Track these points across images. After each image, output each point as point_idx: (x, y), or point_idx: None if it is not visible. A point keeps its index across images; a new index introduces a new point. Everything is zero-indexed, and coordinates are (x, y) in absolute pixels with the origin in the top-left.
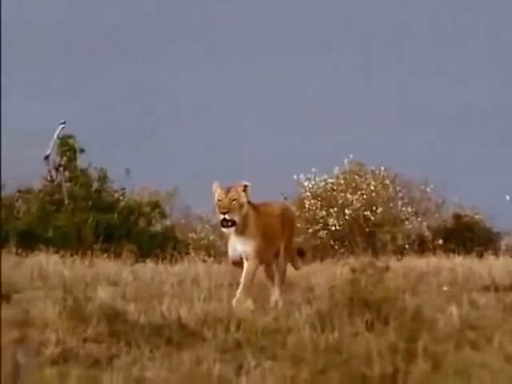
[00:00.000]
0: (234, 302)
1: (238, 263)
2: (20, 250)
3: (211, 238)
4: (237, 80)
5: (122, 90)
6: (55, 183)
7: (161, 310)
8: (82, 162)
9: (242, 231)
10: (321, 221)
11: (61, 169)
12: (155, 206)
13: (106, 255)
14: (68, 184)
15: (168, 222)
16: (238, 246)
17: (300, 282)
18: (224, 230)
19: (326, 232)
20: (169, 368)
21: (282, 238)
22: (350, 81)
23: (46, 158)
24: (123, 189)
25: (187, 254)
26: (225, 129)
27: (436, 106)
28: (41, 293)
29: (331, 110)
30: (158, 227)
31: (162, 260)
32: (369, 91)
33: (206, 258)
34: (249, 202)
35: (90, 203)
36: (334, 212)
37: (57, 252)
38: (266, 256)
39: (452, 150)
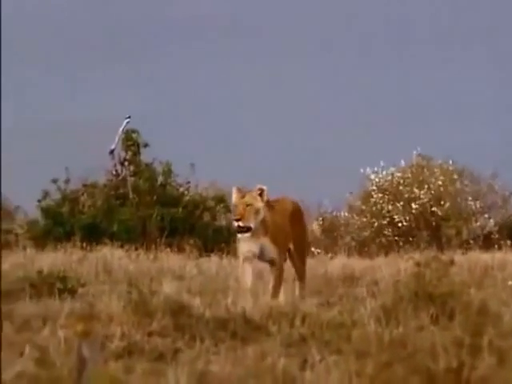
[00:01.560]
0: (280, 299)
1: (250, 259)
2: (85, 244)
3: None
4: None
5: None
6: (120, 177)
7: (226, 304)
8: (146, 156)
9: (260, 234)
10: (387, 215)
11: (126, 163)
12: (220, 200)
13: (170, 249)
14: (133, 178)
15: None
16: (257, 246)
17: (365, 276)
18: (239, 235)
19: (391, 229)
20: (233, 362)
21: (291, 236)
22: (410, 71)
23: (111, 152)
24: (188, 183)
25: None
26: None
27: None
28: (106, 287)
29: (394, 102)
30: (222, 222)
31: (227, 254)
32: (430, 82)
33: None
34: (266, 203)
35: (155, 197)
36: (401, 206)
37: (121, 246)
38: (285, 254)
39: None
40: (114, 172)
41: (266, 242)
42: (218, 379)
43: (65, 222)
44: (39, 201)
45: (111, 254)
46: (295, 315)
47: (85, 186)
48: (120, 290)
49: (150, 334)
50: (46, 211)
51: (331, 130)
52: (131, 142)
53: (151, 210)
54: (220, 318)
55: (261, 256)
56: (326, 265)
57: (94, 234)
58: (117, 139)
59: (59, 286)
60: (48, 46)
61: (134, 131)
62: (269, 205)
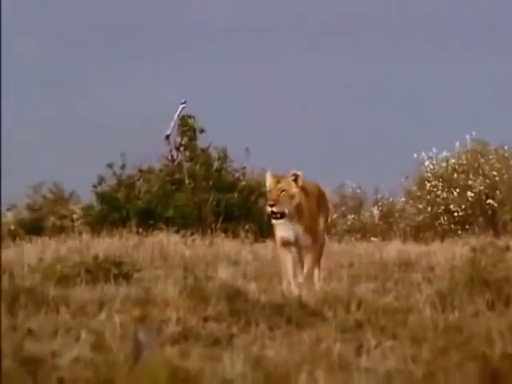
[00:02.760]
0: (316, 284)
1: (288, 244)
2: (140, 230)
3: (334, 216)
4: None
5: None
6: (176, 163)
7: (281, 290)
8: (202, 141)
9: (296, 220)
10: (442, 202)
11: (181, 148)
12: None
13: (225, 235)
14: (188, 164)
15: None
16: (293, 230)
17: (420, 261)
18: (274, 221)
19: (446, 217)
20: (289, 347)
21: (319, 219)
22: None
23: (167, 137)
24: (243, 168)
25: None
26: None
27: None
28: (161, 272)
29: (446, 87)
30: None
31: None
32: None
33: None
34: (301, 188)
35: (211, 183)
36: (456, 194)
37: (177, 231)
38: (319, 238)
39: None
40: (170, 157)
41: (300, 227)
42: (273, 364)
43: (121, 208)
44: (94, 186)
45: (167, 240)
46: (351, 301)
47: (141, 171)
48: (176, 275)
49: (205, 320)
50: (101, 196)
51: (389, 115)
52: (187, 128)
53: (207, 195)
54: (275, 303)
55: (296, 242)
56: (382, 250)
57: (149, 220)
58: (172, 124)
59: (115, 271)
60: (104, 32)
61: (189, 116)
62: (303, 190)
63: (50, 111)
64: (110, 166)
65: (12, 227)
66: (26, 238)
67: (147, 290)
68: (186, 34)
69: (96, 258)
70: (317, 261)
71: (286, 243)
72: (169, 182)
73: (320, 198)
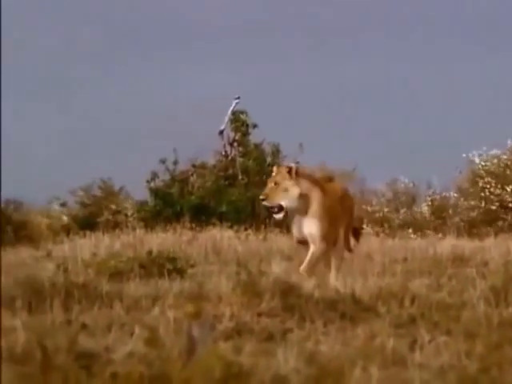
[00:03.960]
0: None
1: (303, 242)
2: (194, 225)
3: (385, 210)
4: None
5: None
6: (229, 158)
7: (335, 285)
8: (255, 137)
9: (305, 212)
10: (496, 199)
11: (235, 144)
12: (329, 181)
13: (279, 230)
14: (241, 159)
15: None
16: (303, 226)
17: (474, 256)
18: (275, 216)
19: (503, 212)
20: (343, 342)
21: (342, 221)
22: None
23: (221, 133)
24: (297, 163)
25: (361, 228)
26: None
27: None
28: (215, 267)
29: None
30: None
31: None
32: None
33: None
34: (315, 182)
35: (264, 178)
36: (510, 189)
37: (230, 227)
38: (331, 238)
39: None
40: (224, 153)
41: (310, 219)
42: (327, 359)
43: (174, 203)
44: (148, 181)
45: (220, 235)
46: (404, 296)
47: (194, 166)
48: (229, 270)
49: (259, 315)
50: (155, 192)
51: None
52: (240, 123)
53: (260, 190)
54: (329, 298)
55: (307, 237)
56: (436, 245)
57: (203, 215)
58: (226, 120)
59: (168, 266)
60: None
61: (242, 112)
62: (321, 187)
63: (99, 110)
64: (162, 161)
65: (65, 221)
66: (79, 233)
67: (201, 286)
68: (237, 31)
69: (150, 253)
70: (320, 258)
71: (299, 240)
72: (222, 177)
73: (342, 202)
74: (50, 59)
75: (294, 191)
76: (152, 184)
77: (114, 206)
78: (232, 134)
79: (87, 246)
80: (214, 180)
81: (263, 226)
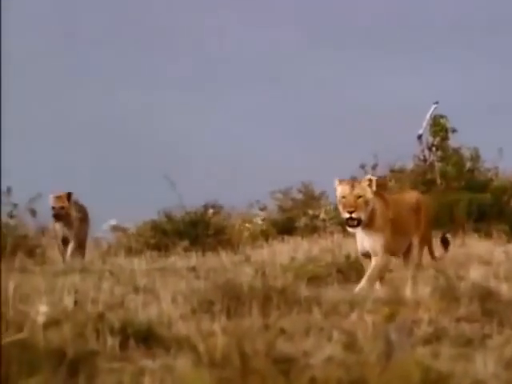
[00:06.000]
0: (356, 289)
1: (366, 255)
2: None
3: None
4: None
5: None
6: (427, 163)
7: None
8: (453, 141)
9: (368, 225)
10: None
11: (433, 148)
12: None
13: (477, 235)
14: (440, 164)
15: None
16: (365, 240)
17: None
18: (350, 229)
19: None
20: None
21: (414, 230)
22: None
23: (419, 137)
24: (496, 167)
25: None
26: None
27: None
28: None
29: None
30: None
31: None
32: None
33: None
34: (377, 194)
35: (463, 183)
36: None
37: None
38: (396, 248)
39: None
40: (422, 157)
41: (372, 232)
42: None
43: None
44: None
45: None
46: None
47: (392, 171)
48: (426, 275)
49: (457, 320)
50: None
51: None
52: (439, 128)
53: (459, 195)
54: None
55: (369, 250)
56: None
57: None
58: (424, 124)
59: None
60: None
61: (441, 116)
62: (383, 198)
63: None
64: (362, 166)
65: (264, 227)
66: (278, 237)
67: (398, 291)
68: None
69: (348, 257)
70: (383, 271)
71: (364, 254)
72: (420, 182)
73: (415, 210)
74: None
75: (371, 205)
76: None
77: (310, 211)
78: (431, 139)
79: (285, 251)
80: (412, 184)
81: (461, 231)
